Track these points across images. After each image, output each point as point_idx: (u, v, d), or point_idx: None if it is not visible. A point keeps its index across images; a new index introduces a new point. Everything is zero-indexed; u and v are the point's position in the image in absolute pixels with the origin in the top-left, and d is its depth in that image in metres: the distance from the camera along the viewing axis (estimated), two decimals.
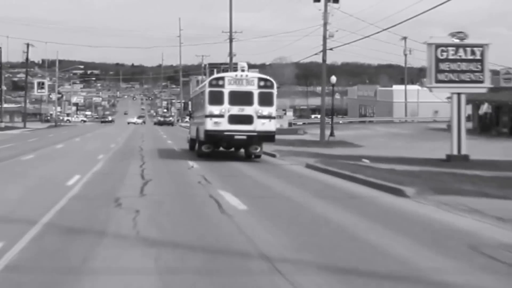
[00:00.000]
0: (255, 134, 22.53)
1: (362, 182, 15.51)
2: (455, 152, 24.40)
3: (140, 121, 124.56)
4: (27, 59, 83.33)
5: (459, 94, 24.81)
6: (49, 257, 7.06)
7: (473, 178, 16.98)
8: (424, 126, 65.09)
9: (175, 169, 19.95)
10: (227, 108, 22.40)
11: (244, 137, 22.58)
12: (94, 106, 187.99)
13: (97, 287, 5.97)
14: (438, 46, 25.02)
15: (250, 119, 22.38)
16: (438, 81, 25.16)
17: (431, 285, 6.22)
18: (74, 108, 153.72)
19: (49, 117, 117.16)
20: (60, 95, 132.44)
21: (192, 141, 28.12)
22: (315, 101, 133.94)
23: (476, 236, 8.72)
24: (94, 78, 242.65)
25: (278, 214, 10.52)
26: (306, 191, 14.16)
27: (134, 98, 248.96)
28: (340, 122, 78.08)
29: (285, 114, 60.06)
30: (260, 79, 23.19)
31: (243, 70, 23.31)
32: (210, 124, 22.35)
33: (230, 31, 60.81)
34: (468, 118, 39.67)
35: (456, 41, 25.12)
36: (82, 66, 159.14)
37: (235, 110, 22.41)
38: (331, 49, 42.43)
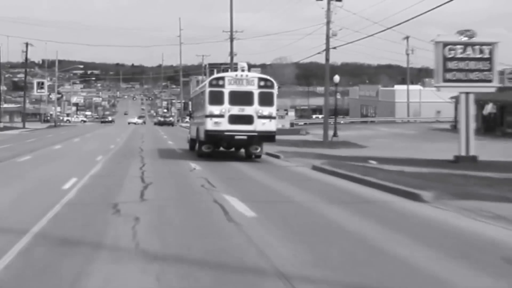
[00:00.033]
0: (255, 134, 22.38)
1: (373, 185, 14.71)
2: (463, 153, 23.87)
3: (140, 121, 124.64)
4: (26, 58, 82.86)
5: (467, 93, 24.26)
6: (37, 275, 6.25)
7: (486, 180, 16.29)
8: (427, 126, 64.54)
9: (177, 171, 19.19)
10: (227, 108, 22.22)
11: (245, 137, 22.42)
12: (94, 106, 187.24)
13: None
14: (445, 44, 24.52)
15: (250, 119, 22.21)
16: (445, 80, 24.67)
17: None
18: (74, 108, 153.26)
19: (49, 117, 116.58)
20: (60, 95, 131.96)
21: (192, 141, 27.97)
22: (315, 101, 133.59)
23: (508, 248, 7.95)
24: (94, 78, 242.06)
25: (290, 222, 9.67)
26: (316, 195, 13.34)
27: (134, 98, 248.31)
28: (342, 122, 77.23)
29: (286, 114, 59.14)
30: (260, 79, 22.99)
31: (243, 70, 23.11)
32: (210, 124, 22.17)
33: (231, 30, 60.17)
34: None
35: (464, 39, 24.60)
36: (82, 66, 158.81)
37: (235, 110, 22.24)
38: (334, 48, 41.77)
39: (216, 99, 22.23)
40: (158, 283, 5.97)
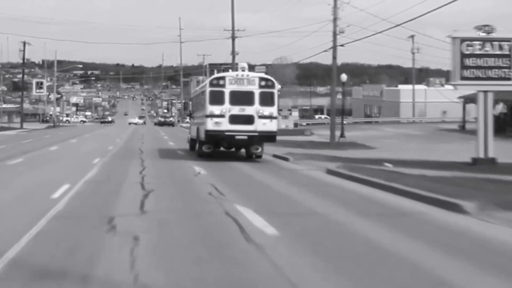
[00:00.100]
0: (256, 134, 22.23)
1: (401, 192, 13.12)
2: (481, 155, 22.64)
3: (141, 121, 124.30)
4: (23, 57, 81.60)
5: (485, 92, 22.96)
6: None
7: None
8: (434, 126, 63.16)
9: (180, 175, 17.63)
10: (228, 108, 22.05)
11: (245, 137, 22.28)
12: (94, 106, 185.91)
13: None
14: (463, 40, 23.29)
15: (251, 119, 22.05)
16: (463, 78, 23.35)
17: None
18: (74, 108, 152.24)
19: (48, 118, 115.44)
20: (59, 95, 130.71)
21: (192, 141, 27.85)
22: (315, 101, 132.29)
23: None
24: (94, 79, 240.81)
25: (321, 243, 7.97)
26: (340, 205, 11.70)
27: (134, 99, 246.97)
28: (345, 122, 75.61)
29: (290, 114, 57.36)
30: (261, 78, 22.79)
31: (243, 70, 22.92)
32: (210, 124, 22.02)
33: (233, 29, 58.81)
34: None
35: (483, 34, 23.29)
36: (81, 66, 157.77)
37: (236, 110, 22.08)
38: (342, 45, 40.19)
39: (217, 99, 22.01)
40: None
